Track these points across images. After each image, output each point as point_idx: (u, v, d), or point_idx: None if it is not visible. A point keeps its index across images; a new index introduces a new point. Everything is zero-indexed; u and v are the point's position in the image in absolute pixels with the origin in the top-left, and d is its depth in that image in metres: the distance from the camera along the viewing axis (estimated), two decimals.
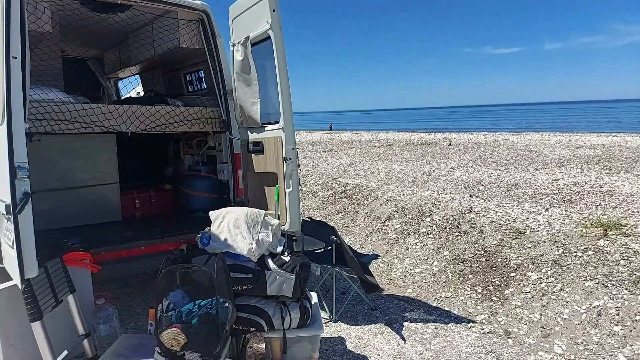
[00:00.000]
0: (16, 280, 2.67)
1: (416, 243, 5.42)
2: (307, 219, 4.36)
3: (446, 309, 4.20)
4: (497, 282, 4.37)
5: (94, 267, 3.37)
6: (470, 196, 6.92)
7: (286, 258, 3.10)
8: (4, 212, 2.65)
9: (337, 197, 7.68)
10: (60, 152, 4.11)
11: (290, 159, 3.73)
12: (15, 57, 2.45)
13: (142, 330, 3.76)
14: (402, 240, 5.60)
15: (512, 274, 4.40)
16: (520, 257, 4.57)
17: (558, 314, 3.77)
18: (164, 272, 2.68)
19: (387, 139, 20.82)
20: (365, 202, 7.03)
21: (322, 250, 4.44)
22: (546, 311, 3.86)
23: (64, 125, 3.59)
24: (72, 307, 3.15)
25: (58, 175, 4.16)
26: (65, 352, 2.99)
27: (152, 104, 4.14)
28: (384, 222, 6.17)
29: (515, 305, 4.03)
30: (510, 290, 4.22)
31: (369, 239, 5.97)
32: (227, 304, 2.71)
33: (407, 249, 5.39)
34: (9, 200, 2.55)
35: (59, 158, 4.13)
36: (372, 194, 7.20)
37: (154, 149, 5.64)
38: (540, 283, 4.17)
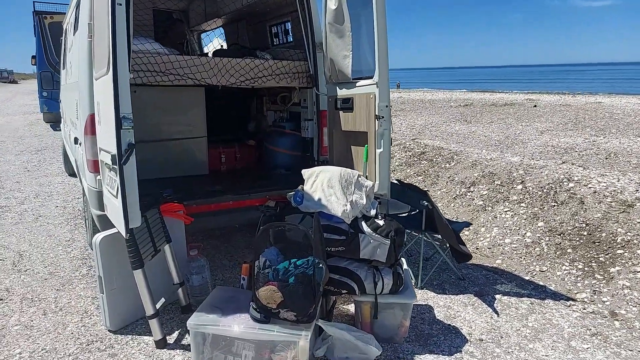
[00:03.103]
0: (120, 229, 2.75)
1: (506, 212, 5.09)
2: (396, 182, 4.17)
3: (541, 283, 3.92)
4: (600, 259, 3.99)
5: (187, 219, 3.43)
6: (562, 162, 6.37)
7: (380, 222, 2.96)
8: (110, 163, 2.70)
9: (415, 159, 7.39)
10: (154, 105, 4.17)
11: (382, 117, 3.51)
12: (120, 4, 2.40)
13: (228, 282, 3.85)
14: (490, 208, 5.27)
15: (619, 251, 3.99)
16: (629, 233, 4.13)
17: None
18: (262, 230, 2.64)
19: (463, 98, 19.74)
20: (447, 165, 6.69)
21: (405, 214, 4.26)
22: None
23: (159, 77, 3.60)
24: (168, 256, 3.25)
25: (150, 127, 4.23)
26: (163, 300, 3.11)
27: (241, 57, 4.05)
28: (469, 187, 5.84)
29: (623, 285, 3.67)
30: (617, 268, 3.84)
31: (452, 205, 5.69)
32: (321, 265, 2.65)
33: (496, 218, 5.08)
34: (114, 151, 2.58)
35: (152, 110, 4.19)
36: (455, 157, 6.83)
37: (238, 104, 5.62)
38: None
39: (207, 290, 3.40)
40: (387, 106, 3.50)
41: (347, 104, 3.89)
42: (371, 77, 3.54)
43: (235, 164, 4.97)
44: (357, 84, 3.74)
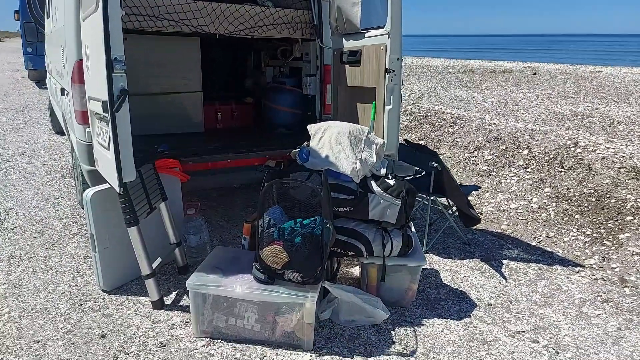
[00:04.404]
0: (113, 183, 2.55)
1: (511, 177, 4.95)
2: (403, 142, 3.98)
3: (548, 249, 3.82)
4: (609, 225, 3.89)
5: (184, 176, 3.23)
6: (567, 129, 6.21)
7: (391, 182, 2.79)
8: (100, 112, 2.47)
9: (417, 123, 7.19)
10: (146, 55, 3.87)
11: (393, 71, 3.29)
12: None
13: (226, 244, 3.70)
14: (495, 173, 5.13)
15: (629, 218, 3.89)
16: (639, 200, 4.02)
17: None
18: (267, 187, 2.46)
19: (461, 65, 19.33)
20: (450, 129, 6.50)
21: (410, 177, 4.10)
22: None
23: (152, 22, 3.32)
24: (164, 215, 3.08)
25: (142, 80, 3.94)
26: (160, 260, 2.95)
27: (241, 2, 3.75)
28: (473, 152, 5.68)
29: (633, 252, 3.58)
30: (627, 235, 3.75)
31: (456, 170, 5.54)
32: (329, 225, 2.49)
33: (501, 183, 4.94)
34: (105, 97, 2.35)
35: (144, 61, 3.89)
36: (458, 121, 6.64)
37: (235, 59, 5.33)
38: None
39: (205, 250, 3.25)
40: (398, 59, 3.28)
41: (354, 57, 3.66)
42: (382, 27, 3.30)
43: (232, 122, 4.73)
44: (367, 35, 3.50)
